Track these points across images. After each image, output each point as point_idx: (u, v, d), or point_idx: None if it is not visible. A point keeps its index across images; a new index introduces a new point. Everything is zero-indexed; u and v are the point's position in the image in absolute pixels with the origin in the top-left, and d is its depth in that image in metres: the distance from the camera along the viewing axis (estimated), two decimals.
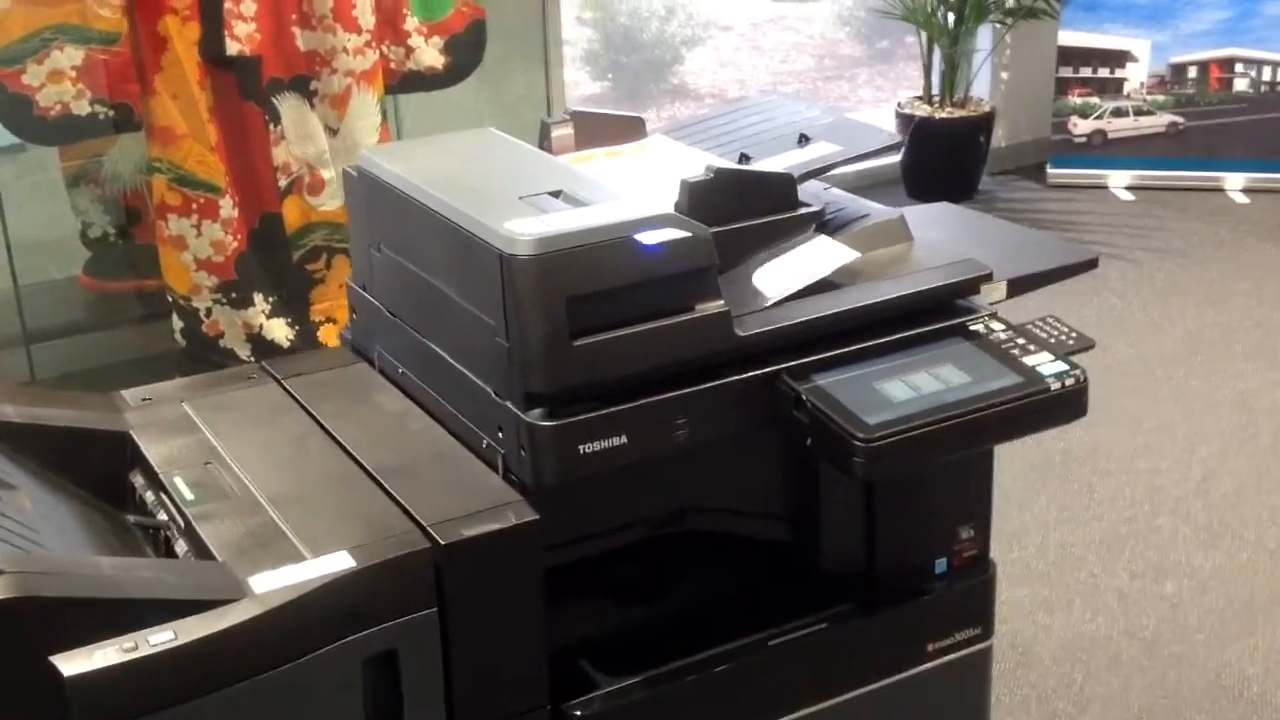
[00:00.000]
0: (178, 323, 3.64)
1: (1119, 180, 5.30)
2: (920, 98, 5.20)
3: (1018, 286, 1.92)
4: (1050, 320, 1.82)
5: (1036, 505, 3.41)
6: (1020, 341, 1.75)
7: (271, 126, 3.65)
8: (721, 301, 1.65)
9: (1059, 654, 2.89)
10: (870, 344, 1.71)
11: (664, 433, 1.64)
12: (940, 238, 1.99)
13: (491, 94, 4.47)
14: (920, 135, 5.04)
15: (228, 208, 3.52)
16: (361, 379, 1.92)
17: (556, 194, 1.67)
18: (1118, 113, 5.23)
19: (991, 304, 1.88)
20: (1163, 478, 3.53)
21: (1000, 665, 2.79)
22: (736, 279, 1.74)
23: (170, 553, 1.64)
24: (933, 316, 1.78)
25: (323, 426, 1.79)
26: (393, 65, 3.81)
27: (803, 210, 1.74)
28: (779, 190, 1.73)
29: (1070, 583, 3.12)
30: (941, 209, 2.19)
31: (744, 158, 1.88)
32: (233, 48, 3.50)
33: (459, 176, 1.76)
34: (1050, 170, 5.33)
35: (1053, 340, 1.79)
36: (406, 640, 1.55)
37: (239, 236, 3.55)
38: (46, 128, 3.48)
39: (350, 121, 3.75)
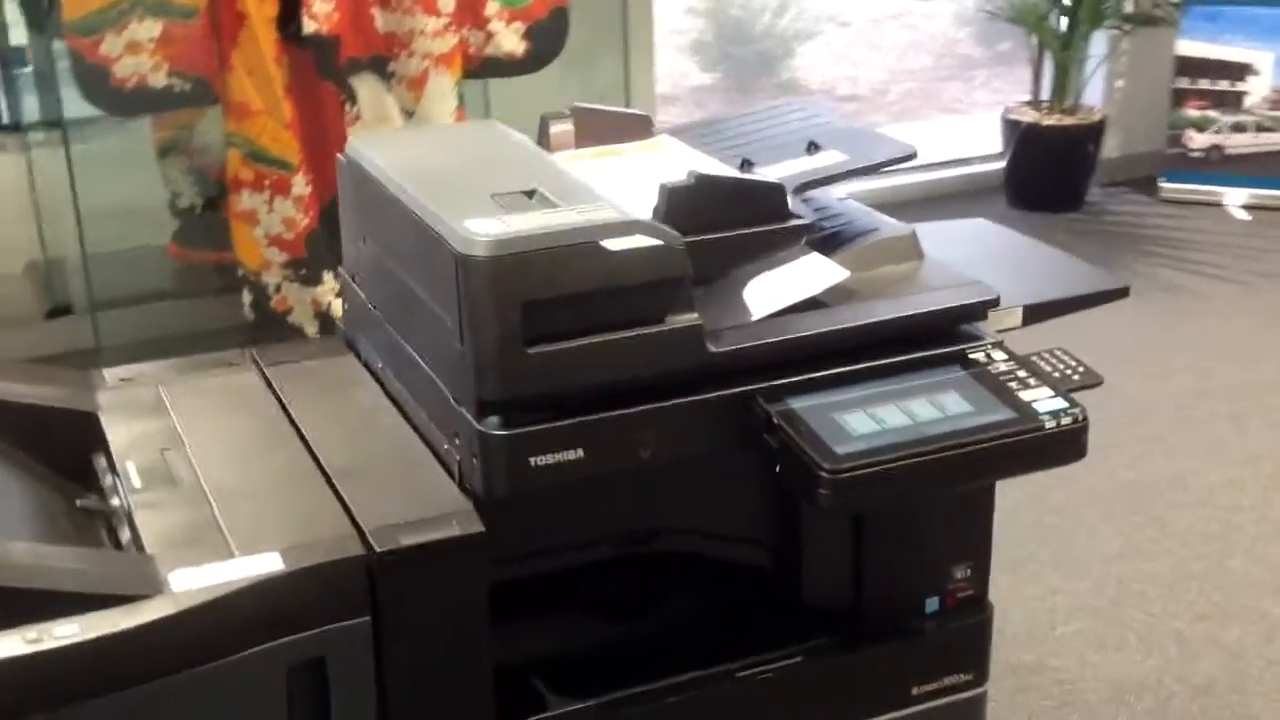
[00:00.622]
0: (247, 297, 3.64)
1: (1235, 198, 5.08)
2: (1028, 103, 5.02)
3: (1035, 314, 1.81)
4: (1059, 353, 1.71)
5: (1100, 536, 3.26)
6: (1021, 374, 1.64)
7: (347, 106, 3.62)
8: (694, 315, 1.56)
9: (1105, 695, 2.75)
10: (853, 368, 1.61)
11: (625, 449, 1.56)
12: (961, 257, 1.88)
13: (581, 82, 4.41)
14: (1026, 142, 4.87)
15: (300, 185, 3.50)
16: (343, 372, 1.86)
17: (530, 194, 1.60)
18: (1237, 128, 5.00)
19: (1004, 331, 1.77)
20: (1242, 515, 3.35)
21: (1042, 702, 2.67)
22: (719, 292, 1.66)
23: (116, 540, 1.60)
24: (929, 342, 1.67)
25: (290, 418, 1.74)
26: (472, 50, 3.76)
27: (792, 223, 1.64)
28: (766, 200, 1.63)
29: (1127, 620, 2.97)
30: (975, 226, 2.08)
31: (745, 163, 1.79)
32: (309, 26, 3.48)
33: (437, 170, 1.70)
34: (1163, 185, 5.12)
35: (1057, 374, 1.67)
36: (336, 648, 1.49)
37: (310, 214, 3.53)
38: (123, 98, 3.49)
39: (426, 105, 3.71)
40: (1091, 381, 1.68)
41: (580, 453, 1.54)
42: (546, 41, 3.84)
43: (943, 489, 1.63)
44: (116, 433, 1.72)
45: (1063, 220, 4.92)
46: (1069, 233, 4.83)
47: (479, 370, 1.51)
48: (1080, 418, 1.58)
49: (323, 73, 3.57)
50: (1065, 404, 1.60)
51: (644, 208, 1.60)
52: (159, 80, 3.45)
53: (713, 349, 1.57)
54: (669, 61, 7.15)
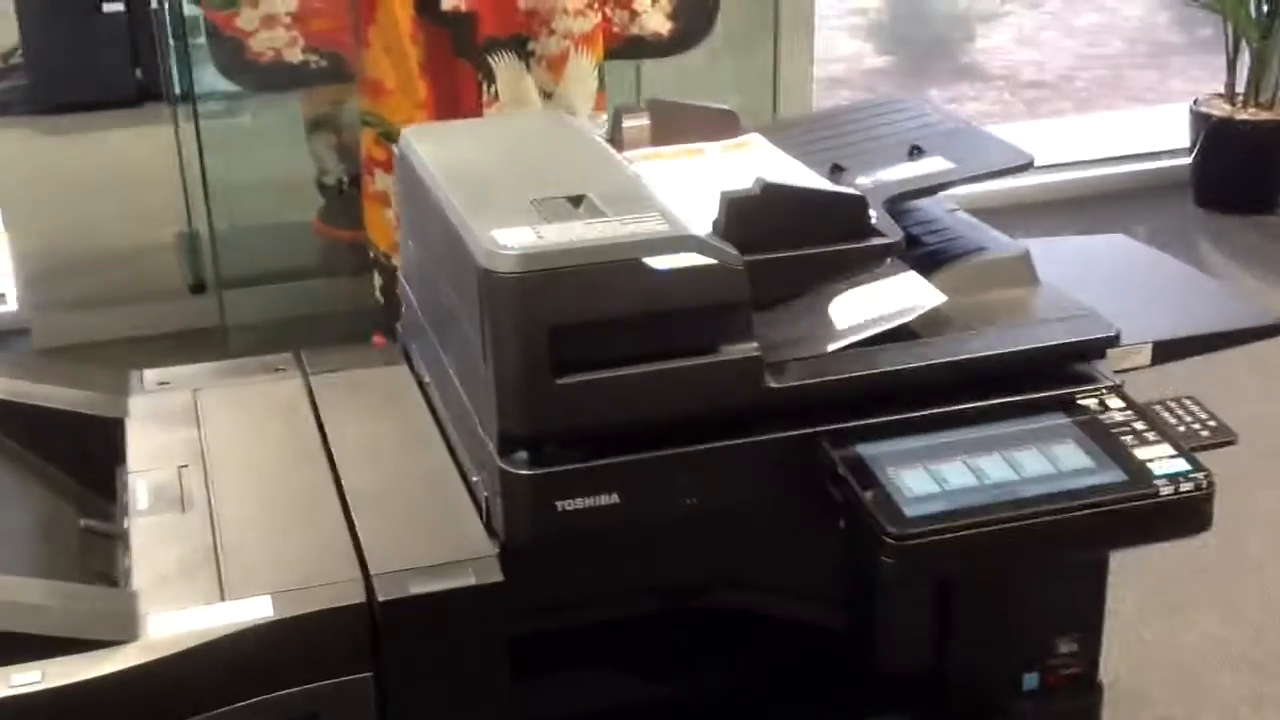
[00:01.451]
0: (377, 279, 3.54)
1: None
2: (1221, 95, 4.66)
3: (1167, 351, 1.57)
4: (1188, 402, 1.47)
5: (1268, 576, 2.96)
6: (1139, 426, 1.41)
7: (485, 87, 3.48)
8: (753, 345, 1.37)
9: None
10: (935, 413, 1.40)
11: (668, 495, 1.37)
12: (1089, 281, 1.65)
13: (739, 65, 4.21)
14: (1217, 137, 4.52)
15: None
16: (391, 384, 1.71)
17: (578, 200, 1.42)
18: None
19: (1128, 370, 1.54)
20: None
21: None
22: (791, 317, 1.46)
23: (113, 567, 1.47)
24: (1031, 384, 1.45)
25: (324, 437, 1.59)
26: (615, 29, 3.58)
27: (873, 242, 1.43)
28: (843, 215, 1.42)
29: None
30: (1112, 243, 1.84)
31: (835, 169, 1.58)
32: (447, 3, 3.35)
33: (482, 169, 1.53)
34: None
35: (1183, 429, 1.43)
36: (332, 705, 1.34)
37: None
38: (258, 73, 3.41)
39: (565, 86, 3.56)
40: (1224, 439, 1.44)
41: (615, 498, 1.36)
42: (694, 22, 3.66)
43: (1032, 561, 1.41)
44: (138, 444, 1.59)
45: (1253, 223, 4.55)
46: (1261, 236, 4.47)
47: (501, 400, 1.34)
48: (1205, 484, 1.35)
49: (459, 51, 3.44)
50: (1188, 466, 1.36)
51: (707, 219, 1.40)
52: (295, 56, 3.36)
53: (773, 384, 1.38)
54: (844, 44, 6.90)
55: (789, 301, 1.47)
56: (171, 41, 3.72)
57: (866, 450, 1.37)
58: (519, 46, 3.44)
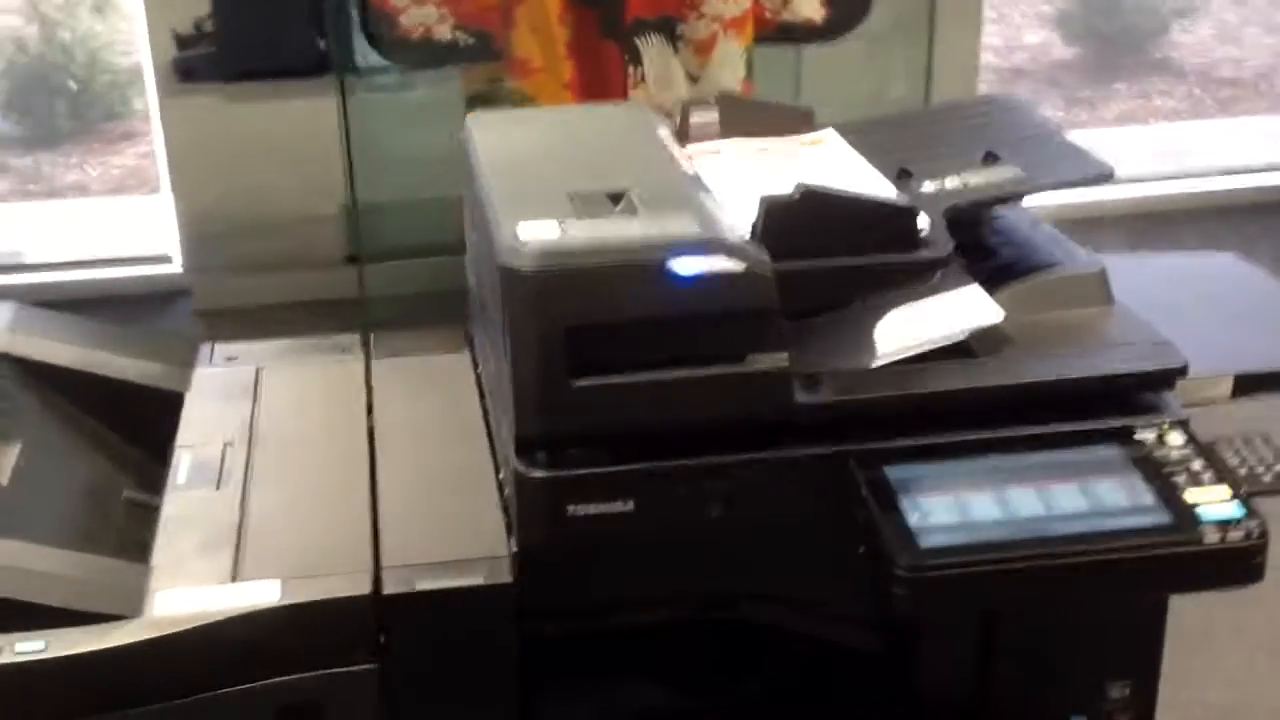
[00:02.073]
0: None
1: None
2: None
3: (1250, 385, 1.47)
4: (1259, 441, 1.37)
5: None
6: (1196, 466, 1.32)
7: (631, 69, 3.45)
8: (782, 355, 1.32)
9: None
10: (971, 438, 1.33)
11: (688, 506, 1.33)
12: (1182, 303, 1.55)
13: (904, 54, 4.10)
14: None
15: None
16: (450, 372, 1.70)
17: (618, 196, 1.38)
18: None
19: (1206, 403, 1.45)
20: None
21: None
22: (838, 328, 1.40)
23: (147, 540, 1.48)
24: (1088, 412, 1.36)
25: (370, 423, 1.59)
26: (768, 14, 3.51)
27: (918, 255, 1.36)
28: (888, 225, 1.36)
29: None
30: (1219, 262, 1.73)
31: (903, 173, 1.51)
32: None
33: (530, 158, 1.50)
34: None
35: (1246, 470, 1.34)
36: (335, 695, 1.34)
37: None
38: (407, 49, 3.43)
39: (712, 70, 3.50)
40: None
41: (630, 505, 1.32)
42: (849, 8, 3.56)
43: (1058, 604, 1.33)
44: (192, 419, 1.61)
45: None
46: None
47: (517, 399, 1.31)
48: (1256, 533, 1.25)
49: (605, 31, 3.42)
50: (1241, 512, 1.27)
51: (738, 223, 1.36)
52: (444, 33, 3.37)
53: (802, 398, 1.32)
54: (1031, 34, 6.68)
55: (835, 312, 1.41)
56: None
57: (894, 473, 1.31)
58: (667, 29, 3.39)
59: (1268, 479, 1.37)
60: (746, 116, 1.66)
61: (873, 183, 1.49)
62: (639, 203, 1.37)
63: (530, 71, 3.38)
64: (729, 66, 3.47)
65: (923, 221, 1.39)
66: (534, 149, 1.54)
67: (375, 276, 3.82)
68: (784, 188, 1.37)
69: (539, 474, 1.31)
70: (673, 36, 3.38)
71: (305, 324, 2.22)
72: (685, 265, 1.28)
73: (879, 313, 1.42)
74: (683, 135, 1.65)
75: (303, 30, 4.00)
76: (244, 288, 4.04)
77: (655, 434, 1.32)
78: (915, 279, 1.38)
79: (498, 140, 1.55)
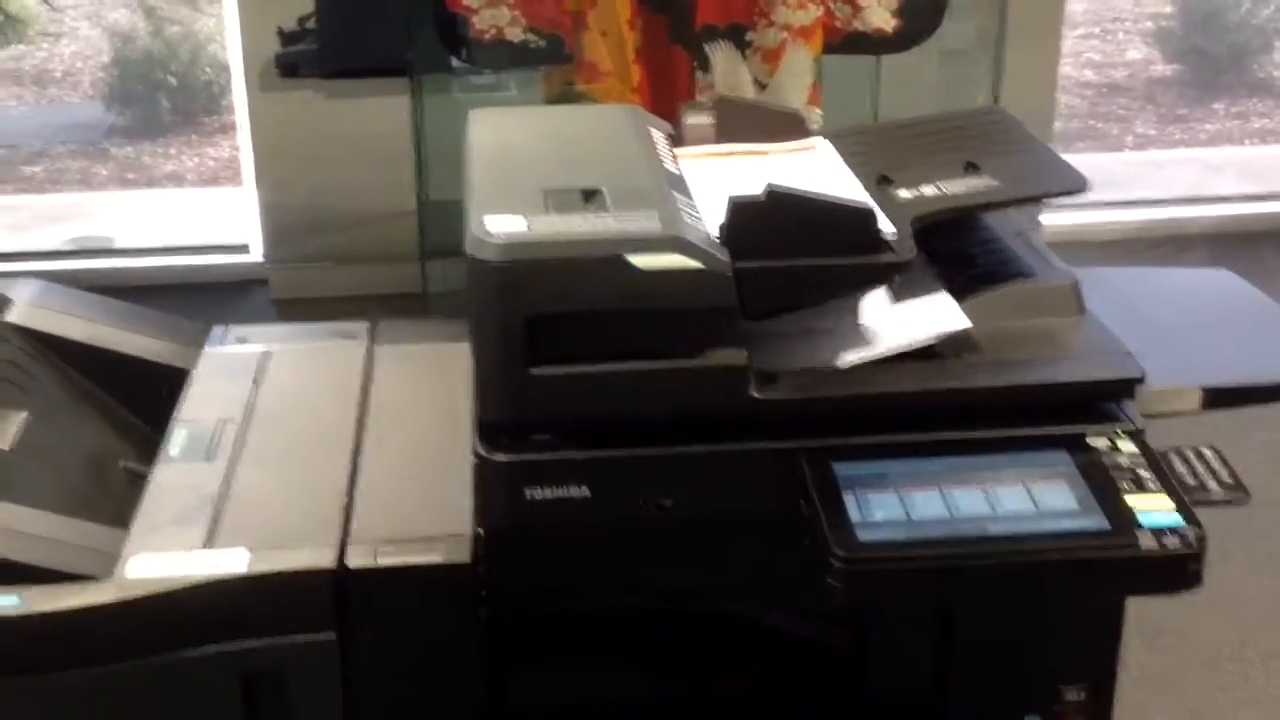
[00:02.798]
0: None
1: None
2: None
3: (1220, 398, 1.47)
4: (1208, 453, 1.38)
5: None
6: (1144, 474, 1.33)
7: (699, 74, 3.50)
8: (740, 352, 1.35)
9: None
10: (928, 438, 1.35)
11: (641, 495, 1.37)
12: (1166, 317, 1.57)
13: (986, 68, 4.10)
14: None
15: None
16: (449, 360, 1.74)
17: (592, 193, 1.42)
18: None
19: (1176, 414, 1.46)
20: None
21: None
22: (802, 330, 1.43)
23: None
24: (1043, 417, 1.38)
25: (362, 407, 1.65)
26: (838, 23, 3.53)
27: (880, 258, 1.39)
28: (851, 228, 1.38)
29: None
30: (1212, 278, 1.73)
31: (883, 179, 1.54)
32: None
33: (516, 154, 1.55)
34: None
35: (1193, 481, 1.35)
36: (298, 662, 1.39)
37: None
38: (480, 50, 3.52)
39: (780, 78, 3.54)
40: (1235, 497, 1.35)
41: (585, 491, 1.36)
42: (920, 20, 3.58)
43: (993, 603, 1.35)
44: (194, 395, 1.68)
45: None
46: None
47: (479, 385, 1.36)
48: (1193, 541, 1.27)
49: (675, 37, 3.46)
50: (1180, 520, 1.28)
51: (702, 222, 1.39)
52: (516, 35, 3.45)
53: (757, 394, 1.35)
54: (1135, 49, 6.63)
55: (804, 313, 1.44)
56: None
57: (843, 470, 1.34)
58: (736, 36, 3.43)
59: (1216, 491, 1.37)
60: (742, 120, 1.69)
61: (848, 188, 1.52)
62: (611, 201, 1.41)
63: (599, 75, 3.44)
64: (797, 75, 3.51)
65: (888, 226, 1.41)
66: (523, 146, 1.58)
67: (445, 272, 3.91)
68: (756, 189, 1.40)
69: (499, 457, 1.36)
70: (742, 44, 3.43)
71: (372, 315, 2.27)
72: (643, 261, 1.32)
73: (849, 316, 1.45)
74: (678, 138, 1.68)
75: (398, 31, 4.10)
76: (319, 279, 4.16)
77: (613, 423, 1.36)
78: (877, 282, 1.40)
79: (491, 136, 1.60)
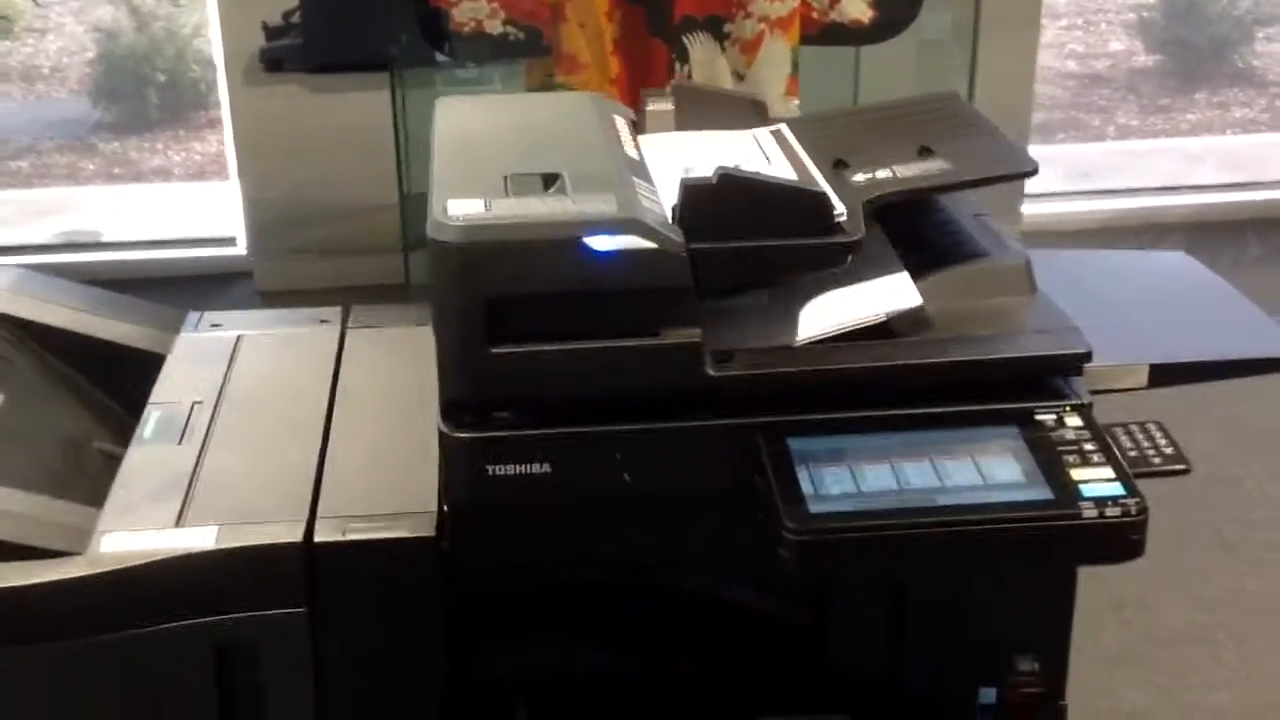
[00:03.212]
0: None
1: None
2: None
3: (1166, 375, 1.51)
4: (1152, 427, 1.41)
5: None
6: (1089, 447, 1.37)
7: (677, 66, 3.52)
8: (695, 330, 1.39)
9: None
10: (881, 414, 1.39)
11: (602, 471, 1.41)
12: (1120, 297, 1.61)
13: (964, 58, 4.13)
14: None
15: None
16: (419, 343, 1.76)
17: (552, 178, 1.46)
18: None
19: (1124, 391, 1.50)
20: None
21: None
22: (758, 309, 1.47)
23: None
24: (993, 393, 1.42)
25: (333, 389, 1.68)
26: (815, 14, 3.57)
27: (831, 239, 1.42)
28: (802, 210, 1.42)
29: None
30: (1169, 260, 1.77)
31: (839, 163, 1.57)
32: None
33: (481, 142, 1.58)
34: None
35: (1134, 453, 1.38)
36: (269, 636, 1.43)
37: None
38: (459, 43, 3.54)
39: (758, 69, 3.56)
40: (1175, 468, 1.38)
41: (547, 468, 1.40)
42: (897, 10, 3.60)
43: (941, 572, 1.39)
44: (168, 379, 1.71)
45: None
46: None
47: (440, 364, 1.40)
48: (1135, 510, 1.30)
49: (654, 29, 3.49)
50: (1122, 491, 1.32)
51: (657, 205, 1.43)
52: (495, 27, 3.47)
53: (712, 372, 1.39)
54: (1115, 41, 6.67)
55: (761, 292, 1.48)
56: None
57: (796, 445, 1.38)
58: (714, 27, 3.46)
59: (1158, 461, 1.41)
60: (703, 107, 1.73)
61: (802, 171, 1.56)
62: (570, 185, 1.44)
63: (578, 67, 3.47)
64: (775, 66, 3.54)
65: (840, 208, 1.45)
66: (487, 133, 1.62)
67: (413, 265, 3.93)
68: (698, 173, 1.44)
69: (461, 435, 1.40)
70: (720, 35, 3.46)
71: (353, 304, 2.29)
72: (600, 243, 1.36)
73: (805, 294, 1.48)
74: (640, 125, 1.72)
75: (382, 26, 4.13)
76: (303, 271, 4.19)
77: (573, 401, 1.40)
78: (829, 262, 1.44)
79: (456, 124, 1.64)
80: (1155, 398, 1.52)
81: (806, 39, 3.58)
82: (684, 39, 3.44)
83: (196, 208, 4.99)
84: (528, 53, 3.58)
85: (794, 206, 1.42)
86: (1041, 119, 6.02)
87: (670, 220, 1.42)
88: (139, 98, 5.96)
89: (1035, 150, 5.18)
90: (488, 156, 1.53)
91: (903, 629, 1.52)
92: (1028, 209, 4.35)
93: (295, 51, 4.25)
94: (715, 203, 1.41)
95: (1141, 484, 1.33)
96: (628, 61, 3.47)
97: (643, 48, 3.48)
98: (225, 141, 4.42)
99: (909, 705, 1.53)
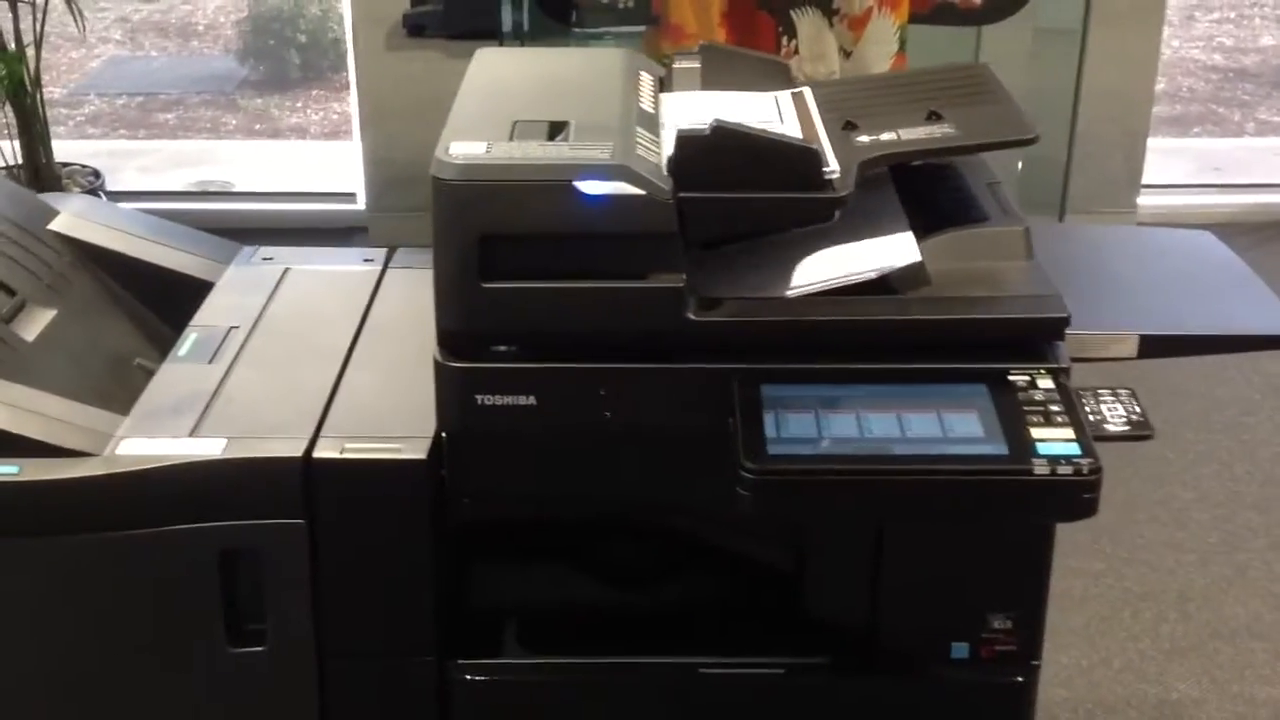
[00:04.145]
0: None
1: None
2: None
3: (1157, 346, 1.52)
4: (1122, 393, 1.43)
5: None
6: (1055, 408, 1.39)
7: (784, 40, 3.56)
8: (679, 276, 1.44)
9: None
10: (845, 367, 1.43)
11: (585, 406, 1.47)
12: (1132, 273, 1.63)
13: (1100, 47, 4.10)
14: None
15: None
16: None
17: (560, 125, 1.52)
18: None
19: (1115, 360, 1.52)
20: None
21: None
22: (757, 259, 1.52)
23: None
24: (972, 352, 1.45)
25: (362, 322, 1.77)
26: None
27: (820, 194, 1.47)
28: (793, 164, 1.46)
29: None
30: (1192, 239, 1.78)
31: (848, 125, 1.61)
32: None
33: (503, 90, 1.65)
34: None
35: (1098, 418, 1.41)
36: (270, 543, 1.53)
37: None
38: (568, 10, 3.64)
39: (864, 46, 3.58)
40: (1139, 434, 1.40)
41: (533, 400, 1.47)
42: None
43: (892, 519, 1.43)
44: (213, 304, 1.81)
45: None
46: None
47: (437, 296, 1.47)
48: (1088, 470, 1.33)
49: (762, 3, 3.53)
50: (1077, 450, 1.34)
51: (651, 154, 1.49)
52: None
53: (692, 316, 1.45)
54: (1268, 35, 6.52)
55: (762, 244, 1.53)
56: None
57: (769, 392, 1.42)
58: (823, 3, 3.49)
59: (1125, 427, 1.43)
60: (730, 67, 1.78)
61: (807, 130, 1.60)
62: (575, 134, 1.51)
63: (684, 38, 3.52)
64: (881, 43, 3.56)
65: (833, 166, 1.49)
66: (510, 83, 1.69)
67: None
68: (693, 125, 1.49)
69: (454, 364, 1.47)
70: (828, 10, 3.48)
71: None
72: (590, 187, 1.42)
73: (809, 249, 1.53)
74: (667, 83, 1.77)
75: None
76: (416, 228, 4.29)
77: (560, 338, 1.46)
78: (817, 217, 1.48)
79: (485, 73, 1.71)
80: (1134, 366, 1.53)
81: (916, 18, 3.58)
82: (792, 13, 3.47)
83: (327, 163, 5.15)
84: (637, 21, 3.65)
85: (784, 161, 1.46)
86: (1179, 112, 5.92)
87: (664, 170, 1.47)
88: (282, 57, 6.16)
89: (1164, 143, 5.15)
90: (504, 104, 1.60)
91: (880, 581, 1.56)
92: (1145, 200, 4.30)
93: (438, 18, 4.36)
94: (708, 154, 1.46)
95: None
96: (735, 34, 3.51)
97: (750, 20, 3.52)
98: (350, 101, 4.56)
99: (883, 654, 1.57)
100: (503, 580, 1.67)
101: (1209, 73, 6.38)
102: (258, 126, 5.89)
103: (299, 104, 6.06)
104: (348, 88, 5.98)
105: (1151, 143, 4.37)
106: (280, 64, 6.18)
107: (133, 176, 4.92)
